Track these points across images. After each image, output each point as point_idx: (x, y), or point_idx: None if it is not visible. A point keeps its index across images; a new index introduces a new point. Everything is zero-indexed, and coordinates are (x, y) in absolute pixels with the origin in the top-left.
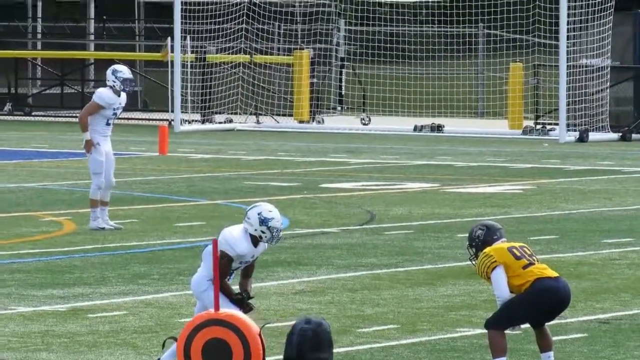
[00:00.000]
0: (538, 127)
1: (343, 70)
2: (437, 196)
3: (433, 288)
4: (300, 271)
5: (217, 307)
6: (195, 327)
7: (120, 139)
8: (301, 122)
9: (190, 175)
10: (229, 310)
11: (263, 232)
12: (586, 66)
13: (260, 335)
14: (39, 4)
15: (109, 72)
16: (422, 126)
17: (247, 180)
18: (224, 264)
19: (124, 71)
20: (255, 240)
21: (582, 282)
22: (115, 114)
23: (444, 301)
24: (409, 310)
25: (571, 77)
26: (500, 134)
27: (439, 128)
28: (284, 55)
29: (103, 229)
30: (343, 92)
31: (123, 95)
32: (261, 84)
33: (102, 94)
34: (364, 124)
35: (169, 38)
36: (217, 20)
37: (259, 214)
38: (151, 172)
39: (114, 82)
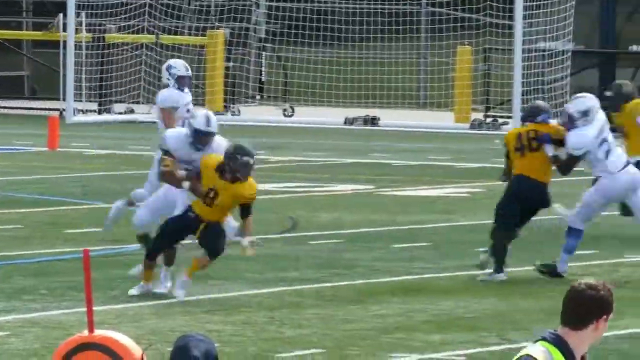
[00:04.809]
0: (488, 120)
1: (263, 53)
2: (371, 200)
3: (364, 307)
4: (209, 286)
5: (91, 329)
6: (67, 354)
7: (2, 132)
8: (214, 112)
9: (85, 173)
10: (104, 331)
11: None
12: (544, 50)
13: None
14: None
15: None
16: (354, 118)
17: None
18: None
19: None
20: None
21: (539, 301)
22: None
23: (376, 322)
24: (337, 332)
25: (527, 63)
26: (445, 128)
27: (373, 121)
28: (195, 35)
29: None
30: (263, 79)
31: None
32: None
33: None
34: (287, 116)
35: (61, 14)
36: None
37: None
38: (39, 169)
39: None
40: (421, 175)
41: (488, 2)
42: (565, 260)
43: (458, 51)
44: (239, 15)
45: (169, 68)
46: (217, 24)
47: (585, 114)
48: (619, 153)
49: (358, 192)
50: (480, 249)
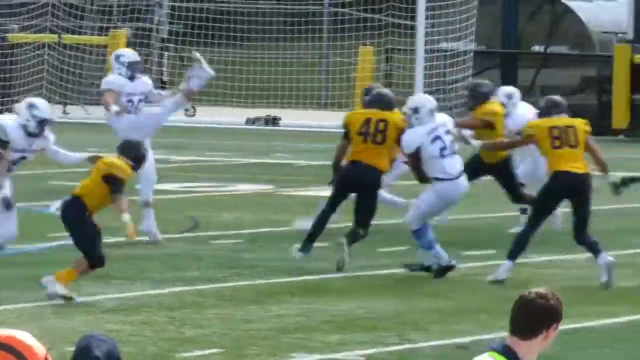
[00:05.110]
0: None
1: (165, 53)
2: (272, 200)
3: (264, 307)
4: (109, 286)
5: None
6: None
7: None
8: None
9: None
10: (7, 330)
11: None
12: (446, 51)
13: None
14: None
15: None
16: (255, 118)
17: (53, 179)
18: None
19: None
20: None
21: (438, 301)
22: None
23: (276, 322)
24: (236, 332)
25: (429, 63)
26: None
27: (274, 121)
28: (97, 35)
29: None
30: (165, 79)
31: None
32: (70, 69)
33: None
34: (189, 116)
35: None
36: None
37: None
38: None
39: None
40: (323, 176)
41: (390, 3)
42: (436, 254)
43: (360, 51)
44: (142, 16)
45: (117, 57)
46: (119, 23)
47: (416, 111)
48: (457, 158)
49: (259, 192)
50: (380, 250)
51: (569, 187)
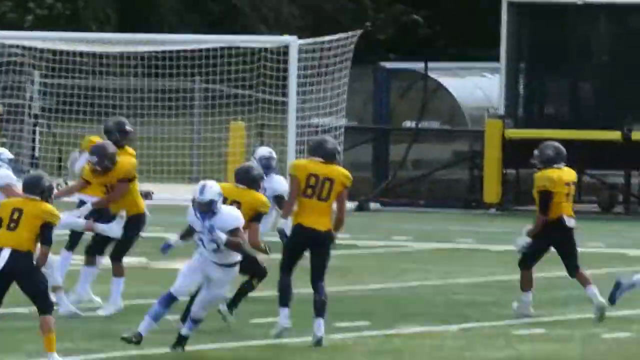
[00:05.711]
0: None
1: (37, 128)
2: (146, 273)
3: None
4: None
5: None
6: None
7: None
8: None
9: None
10: None
11: None
12: (317, 126)
13: None
14: None
15: None
16: None
17: None
18: None
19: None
20: None
21: None
22: None
23: None
24: None
25: (300, 139)
26: None
27: (147, 195)
28: None
29: None
30: (37, 154)
31: None
32: None
33: None
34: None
35: None
36: None
37: None
38: None
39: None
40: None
41: (261, 79)
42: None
43: (231, 127)
44: (14, 92)
45: None
46: None
47: (220, 194)
48: None
49: (133, 266)
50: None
51: (308, 242)
